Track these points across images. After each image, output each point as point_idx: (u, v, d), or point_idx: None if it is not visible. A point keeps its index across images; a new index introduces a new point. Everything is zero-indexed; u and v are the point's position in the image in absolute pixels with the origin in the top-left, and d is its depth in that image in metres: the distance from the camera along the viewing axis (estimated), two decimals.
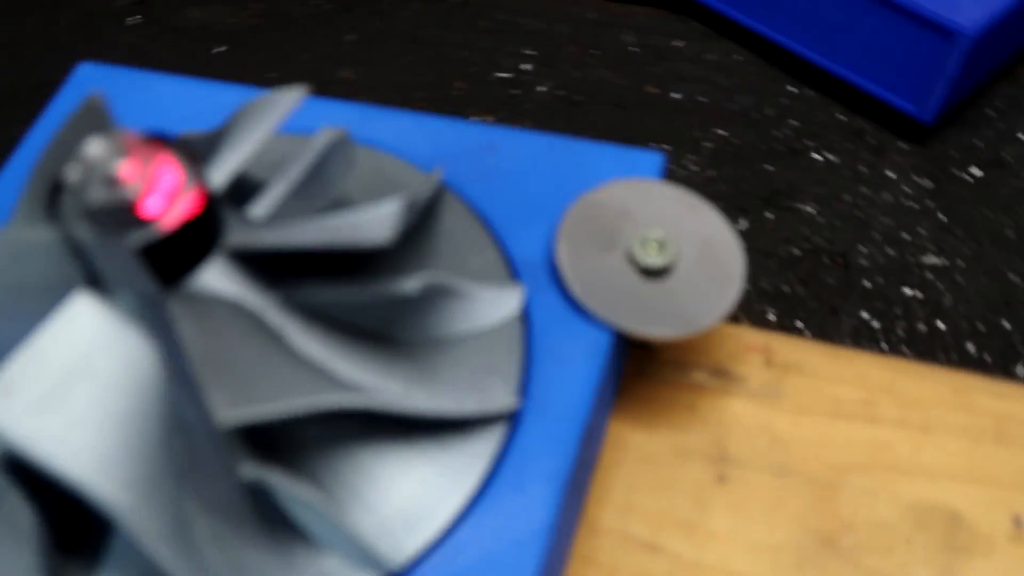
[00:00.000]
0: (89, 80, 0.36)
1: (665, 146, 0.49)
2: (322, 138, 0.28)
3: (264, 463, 0.23)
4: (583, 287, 0.29)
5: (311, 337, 0.26)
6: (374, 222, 0.25)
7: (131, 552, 0.25)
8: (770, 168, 0.48)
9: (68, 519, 0.25)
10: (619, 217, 0.30)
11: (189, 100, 0.35)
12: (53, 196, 0.24)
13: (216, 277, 0.24)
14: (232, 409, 0.22)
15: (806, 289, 0.43)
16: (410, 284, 0.26)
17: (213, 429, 0.23)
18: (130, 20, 0.59)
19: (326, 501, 0.24)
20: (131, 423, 0.23)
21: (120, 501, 0.23)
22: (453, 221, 0.31)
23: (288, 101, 0.28)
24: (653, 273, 0.29)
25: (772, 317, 0.42)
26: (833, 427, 0.30)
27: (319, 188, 0.29)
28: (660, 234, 0.29)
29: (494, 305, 0.28)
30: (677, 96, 0.51)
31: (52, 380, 0.23)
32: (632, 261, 0.29)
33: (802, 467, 0.29)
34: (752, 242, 0.44)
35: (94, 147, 0.23)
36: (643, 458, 0.30)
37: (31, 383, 0.23)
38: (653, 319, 0.28)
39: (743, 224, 0.45)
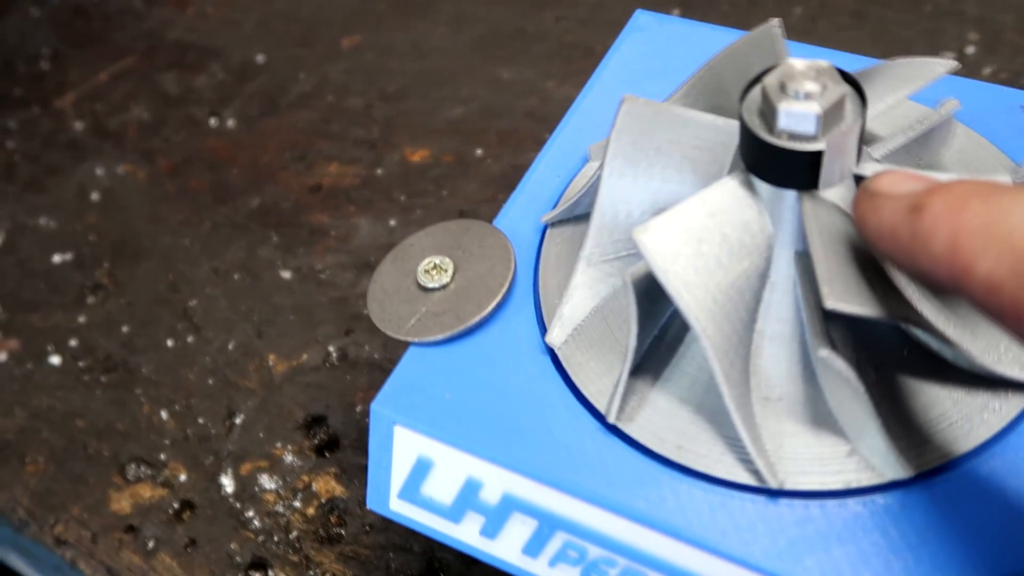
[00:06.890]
0: (645, 25, 0.43)
1: None
2: (943, 110, 0.33)
3: (831, 348, 0.28)
4: None
5: None
6: None
7: (688, 372, 0.31)
8: None
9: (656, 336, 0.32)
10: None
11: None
12: (745, 91, 0.28)
13: (842, 192, 0.28)
14: (835, 301, 0.26)
15: None
16: None
17: (811, 306, 0.28)
18: None
19: (865, 393, 0.28)
20: (736, 280, 0.29)
21: (703, 325, 0.28)
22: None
23: (940, 69, 0.32)
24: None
25: None
26: None
27: (921, 150, 0.34)
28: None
29: None
30: None
31: (689, 232, 0.28)
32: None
33: None
34: None
35: (799, 64, 0.27)
36: None
37: (677, 232, 0.28)
38: None
39: None
